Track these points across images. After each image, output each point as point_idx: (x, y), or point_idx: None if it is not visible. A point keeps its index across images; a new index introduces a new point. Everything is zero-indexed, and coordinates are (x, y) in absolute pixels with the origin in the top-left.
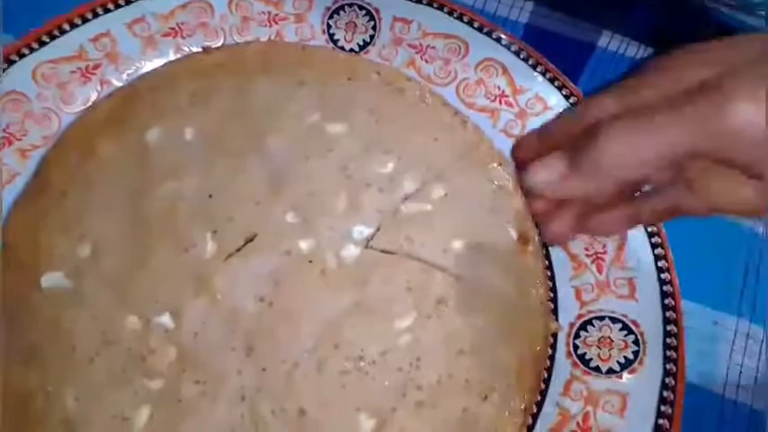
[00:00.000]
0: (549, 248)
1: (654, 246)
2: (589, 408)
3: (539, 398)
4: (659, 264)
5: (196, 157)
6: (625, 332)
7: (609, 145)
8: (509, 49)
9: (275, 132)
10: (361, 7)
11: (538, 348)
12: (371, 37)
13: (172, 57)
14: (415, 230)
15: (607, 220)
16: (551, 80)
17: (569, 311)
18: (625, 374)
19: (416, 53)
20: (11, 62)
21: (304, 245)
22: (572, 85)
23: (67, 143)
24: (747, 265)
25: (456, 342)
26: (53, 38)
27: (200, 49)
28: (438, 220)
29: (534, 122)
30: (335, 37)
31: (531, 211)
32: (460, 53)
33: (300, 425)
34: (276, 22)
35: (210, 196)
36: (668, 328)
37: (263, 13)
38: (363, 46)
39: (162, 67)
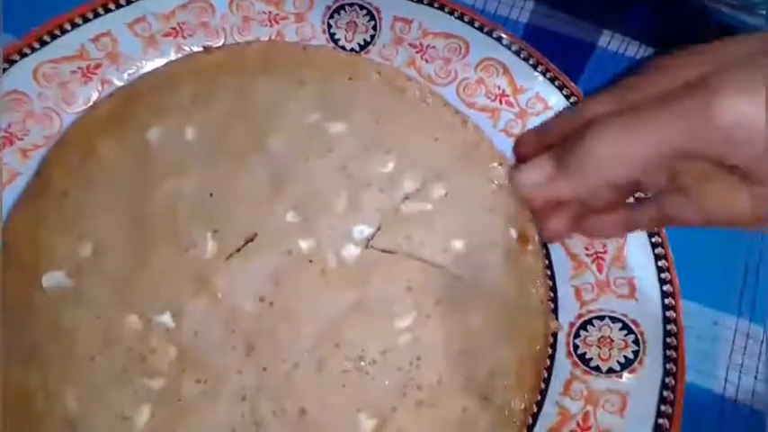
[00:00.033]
0: (549, 248)
1: (654, 246)
2: (589, 407)
3: (539, 397)
4: (659, 264)
5: (197, 156)
6: (625, 332)
7: (594, 145)
8: (509, 48)
9: (276, 132)
10: (361, 7)
11: (538, 348)
12: (372, 37)
13: (173, 56)
14: (415, 230)
15: (603, 222)
16: (552, 80)
17: (569, 311)
18: (625, 374)
19: (417, 53)
20: (12, 62)
21: (304, 244)
22: (572, 84)
23: (68, 143)
24: (747, 265)
25: (456, 342)
26: (54, 37)
27: (200, 49)
28: (438, 220)
29: (535, 122)
30: (336, 36)
31: (530, 207)
32: (461, 53)
33: (301, 424)
34: (277, 22)
35: (211, 196)
36: (668, 327)
37: (264, 12)
38: (364, 46)
39: (163, 66)
